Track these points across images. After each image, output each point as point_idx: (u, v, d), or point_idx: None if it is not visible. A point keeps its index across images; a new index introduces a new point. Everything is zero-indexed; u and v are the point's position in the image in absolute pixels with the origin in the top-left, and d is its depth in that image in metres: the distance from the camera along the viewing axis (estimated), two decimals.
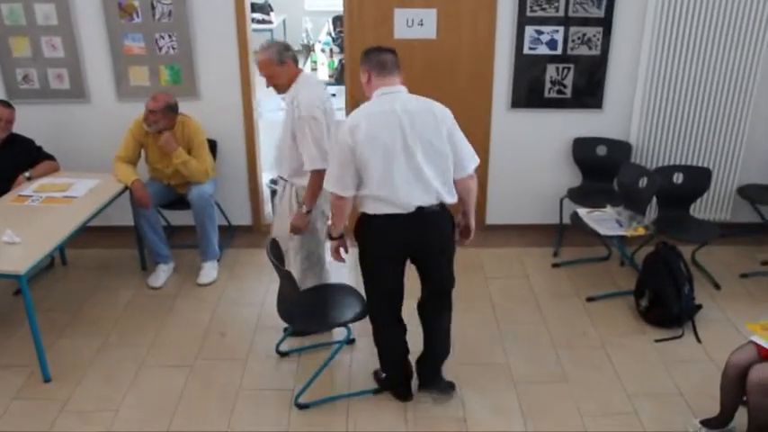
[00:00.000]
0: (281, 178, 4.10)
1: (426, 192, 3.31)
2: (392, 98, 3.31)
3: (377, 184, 3.27)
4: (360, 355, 4.16)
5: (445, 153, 3.31)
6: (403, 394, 3.77)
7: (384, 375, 3.85)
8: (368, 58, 3.40)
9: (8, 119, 4.73)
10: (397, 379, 3.80)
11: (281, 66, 3.83)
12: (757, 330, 3.41)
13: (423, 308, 3.71)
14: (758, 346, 3.32)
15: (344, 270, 4.62)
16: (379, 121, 3.25)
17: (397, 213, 3.31)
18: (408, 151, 3.25)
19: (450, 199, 3.39)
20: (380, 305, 3.63)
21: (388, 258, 3.47)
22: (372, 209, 3.34)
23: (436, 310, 3.69)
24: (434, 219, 3.38)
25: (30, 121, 5.10)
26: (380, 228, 3.38)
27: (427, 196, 3.32)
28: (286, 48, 3.89)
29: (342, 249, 3.60)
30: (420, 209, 3.32)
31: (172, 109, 4.71)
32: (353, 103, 4.03)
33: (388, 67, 3.36)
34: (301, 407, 3.71)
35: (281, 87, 3.91)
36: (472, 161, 3.43)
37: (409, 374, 3.80)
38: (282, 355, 4.16)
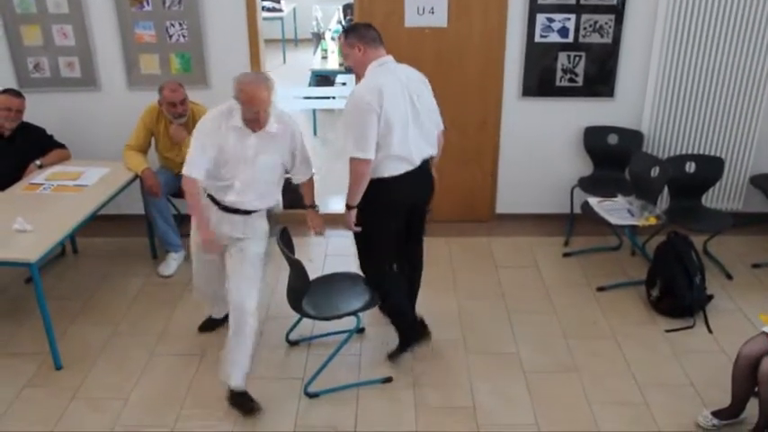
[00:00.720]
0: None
1: (427, 145, 3.70)
2: (391, 67, 3.61)
3: (397, 146, 3.53)
4: (369, 344, 4.17)
5: (436, 110, 3.77)
6: (418, 339, 4.04)
7: (403, 338, 4.01)
8: (359, 33, 3.61)
9: (18, 108, 4.73)
10: (413, 333, 4.02)
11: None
12: None
13: (406, 266, 4.08)
14: None
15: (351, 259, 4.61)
16: (394, 88, 3.51)
17: (410, 170, 3.62)
18: (416, 112, 3.59)
19: (435, 151, 3.80)
20: (388, 268, 3.92)
21: (397, 217, 3.76)
22: (391, 170, 3.57)
23: (419, 255, 4.10)
24: (429, 169, 3.79)
25: (41, 110, 5.11)
26: (397, 187, 3.63)
27: (427, 149, 3.71)
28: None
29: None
30: (424, 161, 3.70)
31: (182, 86, 4.72)
32: None
33: (379, 40, 3.62)
34: (311, 395, 3.72)
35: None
36: (441, 118, 3.85)
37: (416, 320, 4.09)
38: (292, 344, 4.16)
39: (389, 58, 3.64)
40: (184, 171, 3.55)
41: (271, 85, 3.49)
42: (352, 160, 3.50)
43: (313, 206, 3.94)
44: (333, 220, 4.78)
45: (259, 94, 3.40)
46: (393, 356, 4.02)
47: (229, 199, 3.65)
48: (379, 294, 3.82)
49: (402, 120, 3.52)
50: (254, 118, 3.47)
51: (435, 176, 3.88)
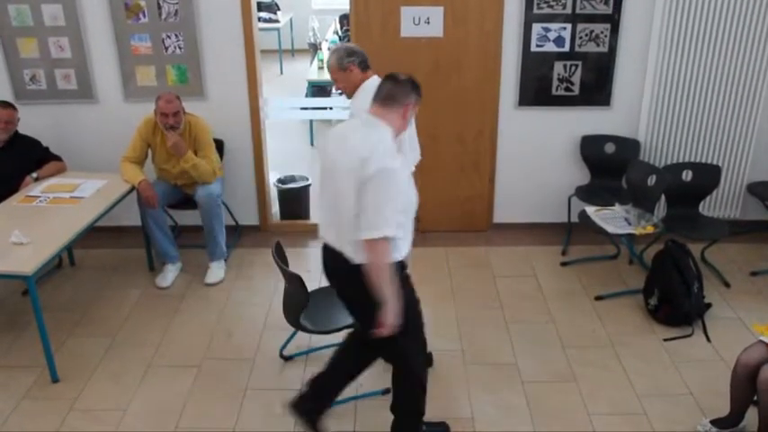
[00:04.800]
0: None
1: (331, 231, 3.08)
2: (357, 125, 3.05)
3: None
4: None
5: (346, 203, 2.90)
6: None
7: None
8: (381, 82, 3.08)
9: (8, 119, 4.72)
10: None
11: (344, 72, 3.66)
12: (764, 332, 3.38)
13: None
14: None
15: None
16: (330, 141, 3.08)
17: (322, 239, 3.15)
18: (331, 181, 3.01)
19: (351, 254, 2.98)
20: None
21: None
22: None
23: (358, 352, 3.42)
24: (333, 262, 3.10)
25: (37, 122, 5.12)
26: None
27: (331, 236, 3.08)
28: (348, 53, 3.67)
29: None
30: (325, 246, 3.13)
31: (179, 98, 4.72)
32: None
33: (382, 98, 2.99)
34: None
35: (348, 93, 3.73)
36: (360, 229, 2.85)
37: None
38: (286, 359, 4.14)
39: (372, 119, 3.00)
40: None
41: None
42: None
43: None
44: None
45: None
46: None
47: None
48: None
49: (321, 173, 3.11)
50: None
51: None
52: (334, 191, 2.97)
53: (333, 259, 3.08)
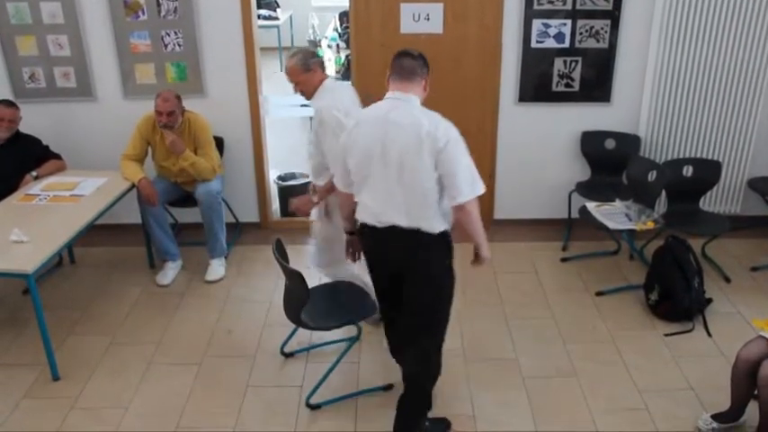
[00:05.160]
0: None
1: (398, 212, 3.08)
2: (392, 104, 3.09)
3: (357, 189, 3.19)
4: (367, 351, 4.15)
5: (422, 177, 3.01)
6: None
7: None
8: (394, 61, 3.18)
9: (10, 118, 4.73)
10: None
11: (308, 73, 3.82)
12: (764, 327, 3.38)
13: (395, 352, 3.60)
14: None
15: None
16: (367, 126, 3.09)
17: (372, 225, 3.16)
18: (385, 164, 3.05)
19: (431, 226, 3.08)
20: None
21: (377, 273, 3.38)
22: (358, 214, 3.24)
23: (407, 344, 3.37)
24: (413, 243, 3.11)
25: (36, 120, 5.11)
26: (363, 237, 3.29)
27: (399, 217, 3.08)
28: (311, 54, 3.94)
29: (352, 250, 3.57)
30: (393, 227, 3.10)
31: (179, 97, 4.72)
32: (362, 97, 4.00)
33: (405, 73, 3.11)
34: (313, 407, 3.70)
35: (308, 94, 3.89)
36: (461, 193, 3.02)
37: None
38: (287, 356, 4.15)
39: (407, 96, 3.11)
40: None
41: (298, 57, 3.88)
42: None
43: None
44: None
45: (286, 65, 3.92)
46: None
47: None
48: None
49: (361, 164, 3.12)
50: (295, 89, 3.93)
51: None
52: (397, 172, 3.02)
53: (404, 239, 3.09)
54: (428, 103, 3.12)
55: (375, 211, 3.13)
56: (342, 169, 3.23)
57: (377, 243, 3.22)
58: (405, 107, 3.06)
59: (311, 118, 3.93)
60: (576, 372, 3.97)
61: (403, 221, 3.07)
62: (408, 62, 3.14)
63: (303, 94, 3.91)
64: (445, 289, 3.27)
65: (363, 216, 3.19)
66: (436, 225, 3.08)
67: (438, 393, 3.77)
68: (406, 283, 3.22)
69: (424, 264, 3.16)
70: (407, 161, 2.99)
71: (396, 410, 3.43)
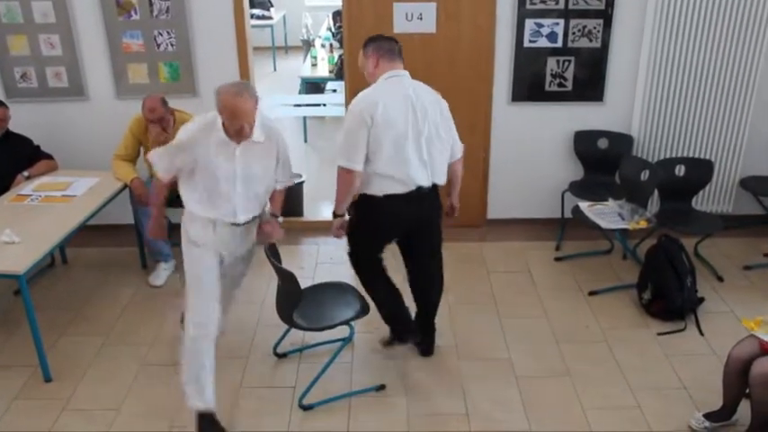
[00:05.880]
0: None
1: (426, 173, 3.59)
2: (402, 82, 3.55)
3: (385, 163, 3.49)
4: (360, 352, 4.15)
5: (445, 139, 3.66)
6: (413, 337, 4.02)
7: (393, 333, 4.02)
8: (376, 44, 3.60)
9: (1, 117, 4.70)
10: (405, 327, 3.97)
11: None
12: (753, 327, 3.39)
13: (417, 279, 3.99)
14: (759, 340, 3.30)
15: (342, 267, 4.60)
16: (396, 103, 3.46)
17: (400, 193, 3.56)
18: (417, 134, 3.50)
19: (442, 181, 3.72)
20: (373, 269, 3.91)
21: (387, 235, 3.80)
22: (377, 189, 3.56)
23: (433, 269, 3.98)
24: (431, 197, 3.69)
25: (28, 120, 5.09)
26: (385, 207, 3.61)
27: (426, 177, 3.60)
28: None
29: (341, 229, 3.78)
30: (419, 188, 3.58)
31: (164, 100, 4.67)
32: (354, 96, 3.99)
33: (394, 53, 3.59)
34: (306, 408, 3.69)
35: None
36: (461, 147, 3.81)
37: (409, 317, 3.99)
38: (280, 356, 4.14)
39: (403, 72, 3.60)
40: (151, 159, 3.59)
41: (254, 93, 3.28)
42: (339, 168, 3.52)
43: (277, 216, 3.76)
44: (324, 228, 4.76)
45: (242, 106, 3.20)
46: (385, 344, 4.09)
47: (221, 213, 3.46)
48: (365, 285, 3.92)
49: (397, 138, 3.46)
50: (239, 132, 3.29)
51: (448, 204, 3.96)
52: (429, 140, 3.56)
53: (427, 197, 3.64)
54: None
55: (404, 178, 3.54)
56: (359, 147, 3.47)
57: (404, 205, 3.61)
58: (413, 82, 3.60)
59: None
60: (569, 371, 3.98)
61: (426, 182, 3.60)
62: (392, 44, 3.62)
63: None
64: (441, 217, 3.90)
65: (385, 187, 3.55)
66: (444, 178, 3.73)
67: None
68: (421, 231, 3.82)
69: (438, 210, 3.82)
70: (439, 128, 3.60)
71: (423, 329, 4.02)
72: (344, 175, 3.51)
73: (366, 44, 3.67)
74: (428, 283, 4.01)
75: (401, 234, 3.84)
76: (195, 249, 3.53)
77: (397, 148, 3.48)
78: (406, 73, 3.61)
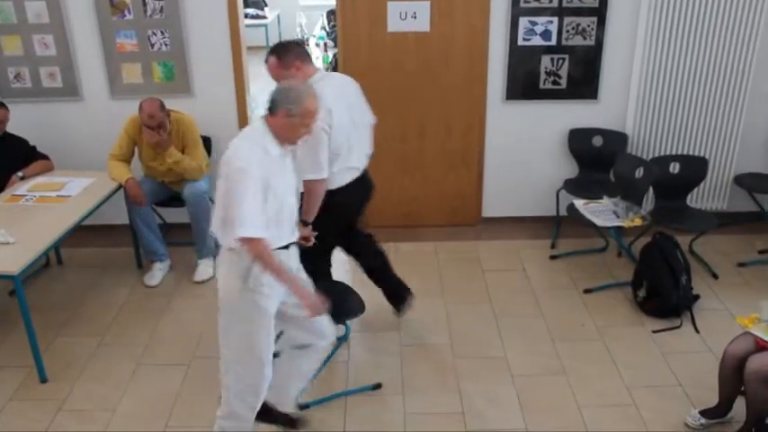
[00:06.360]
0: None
1: (364, 153, 3.91)
2: (330, 80, 3.73)
3: (344, 158, 3.69)
4: (356, 351, 4.15)
5: (367, 116, 3.94)
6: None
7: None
8: (294, 50, 3.65)
9: (1, 119, 4.70)
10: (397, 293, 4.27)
11: (288, 69, 3.67)
12: (747, 324, 3.40)
13: (362, 247, 4.23)
14: (755, 337, 3.31)
15: (337, 266, 4.61)
16: (338, 102, 3.58)
17: (356, 177, 3.83)
18: (356, 123, 3.76)
19: (371, 149, 3.99)
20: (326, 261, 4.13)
21: (347, 219, 4.04)
22: (340, 181, 3.72)
23: (364, 239, 4.22)
24: (367, 172, 3.97)
25: (22, 120, 5.06)
26: (349, 196, 3.83)
27: (365, 156, 3.93)
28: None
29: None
30: (364, 168, 3.93)
31: (163, 106, 4.66)
32: None
33: (308, 54, 3.75)
34: (301, 407, 3.69)
35: None
36: (372, 118, 4.01)
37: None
38: (276, 356, 4.12)
39: (323, 72, 3.81)
40: (246, 234, 2.86)
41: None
42: (308, 182, 3.58)
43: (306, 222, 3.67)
44: None
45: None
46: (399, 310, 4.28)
47: (285, 235, 3.10)
48: (323, 277, 4.00)
49: (347, 133, 3.68)
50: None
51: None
52: (360, 121, 3.81)
53: (367, 174, 3.94)
54: (416, 101, 3.48)
55: (357, 165, 3.82)
56: (325, 155, 3.58)
57: (361, 189, 3.92)
58: (332, 76, 3.95)
59: None
60: (564, 369, 3.98)
61: (366, 160, 3.92)
62: (303, 47, 3.81)
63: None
64: None
65: (346, 177, 3.77)
66: (371, 148, 3.98)
67: (427, 390, 3.81)
68: (363, 207, 4.08)
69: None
70: (362, 109, 3.88)
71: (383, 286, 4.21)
72: (316, 185, 3.60)
73: (283, 54, 3.59)
74: (373, 247, 4.23)
75: (356, 214, 4.11)
76: (263, 307, 3.05)
77: (349, 141, 3.70)
78: (324, 72, 3.86)
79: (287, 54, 3.61)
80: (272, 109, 2.96)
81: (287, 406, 3.45)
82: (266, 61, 3.65)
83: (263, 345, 3.09)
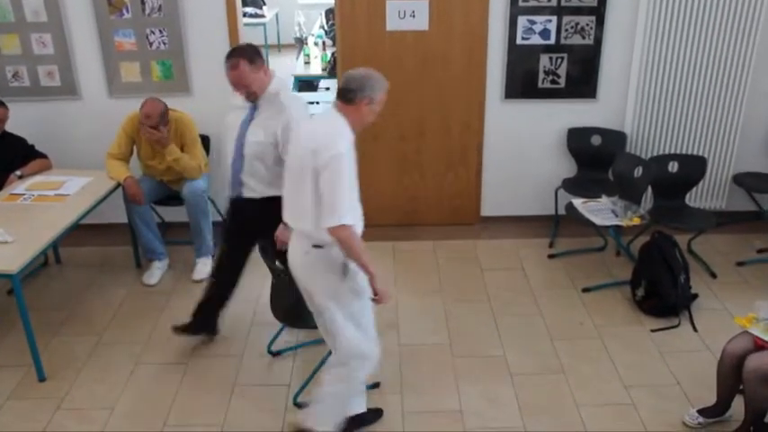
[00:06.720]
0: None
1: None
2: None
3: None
4: None
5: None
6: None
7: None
8: (259, 54, 3.59)
9: (1, 118, 4.69)
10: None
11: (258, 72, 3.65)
12: (745, 324, 3.40)
13: (232, 270, 4.13)
14: (753, 336, 3.31)
15: None
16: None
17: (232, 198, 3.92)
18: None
19: None
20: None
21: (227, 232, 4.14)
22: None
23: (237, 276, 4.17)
24: None
25: (20, 119, 5.06)
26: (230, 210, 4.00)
27: None
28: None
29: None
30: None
31: (165, 113, 4.65)
32: None
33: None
34: (300, 406, 3.69)
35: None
36: None
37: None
38: (274, 355, 4.14)
39: (278, 77, 3.76)
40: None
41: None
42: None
43: None
44: None
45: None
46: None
47: (360, 224, 3.08)
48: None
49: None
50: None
51: None
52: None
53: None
54: (415, 100, 3.32)
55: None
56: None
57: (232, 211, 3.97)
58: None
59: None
60: (563, 368, 3.98)
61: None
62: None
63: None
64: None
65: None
66: None
67: (425, 389, 3.81)
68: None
69: None
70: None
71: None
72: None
73: (254, 57, 3.55)
74: (234, 279, 4.16)
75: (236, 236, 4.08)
76: (363, 286, 3.12)
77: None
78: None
79: (256, 57, 3.57)
80: (351, 98, 2.90)
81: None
82: (233, 67, 3.52)
83: (368, 319, 3.26)
